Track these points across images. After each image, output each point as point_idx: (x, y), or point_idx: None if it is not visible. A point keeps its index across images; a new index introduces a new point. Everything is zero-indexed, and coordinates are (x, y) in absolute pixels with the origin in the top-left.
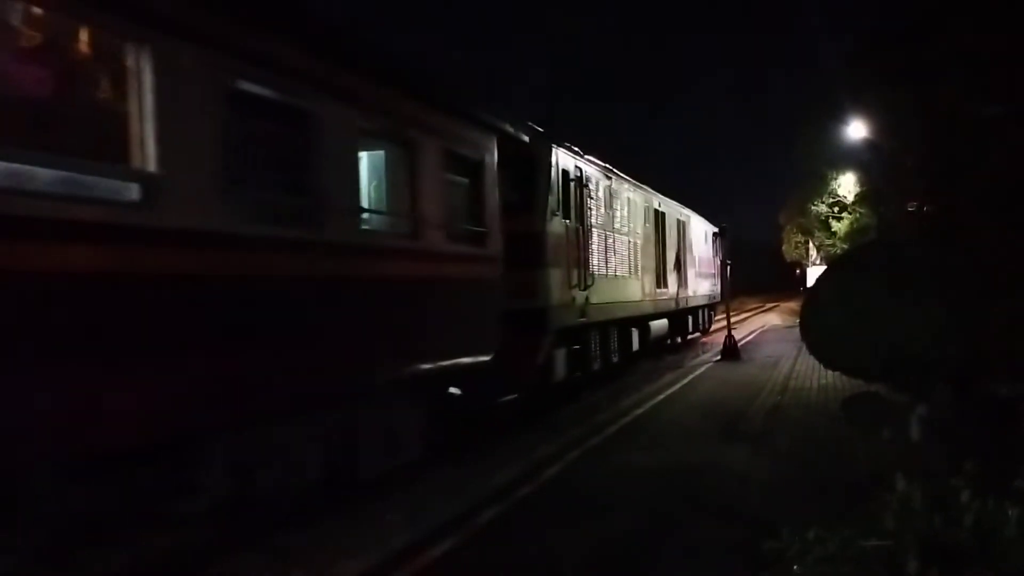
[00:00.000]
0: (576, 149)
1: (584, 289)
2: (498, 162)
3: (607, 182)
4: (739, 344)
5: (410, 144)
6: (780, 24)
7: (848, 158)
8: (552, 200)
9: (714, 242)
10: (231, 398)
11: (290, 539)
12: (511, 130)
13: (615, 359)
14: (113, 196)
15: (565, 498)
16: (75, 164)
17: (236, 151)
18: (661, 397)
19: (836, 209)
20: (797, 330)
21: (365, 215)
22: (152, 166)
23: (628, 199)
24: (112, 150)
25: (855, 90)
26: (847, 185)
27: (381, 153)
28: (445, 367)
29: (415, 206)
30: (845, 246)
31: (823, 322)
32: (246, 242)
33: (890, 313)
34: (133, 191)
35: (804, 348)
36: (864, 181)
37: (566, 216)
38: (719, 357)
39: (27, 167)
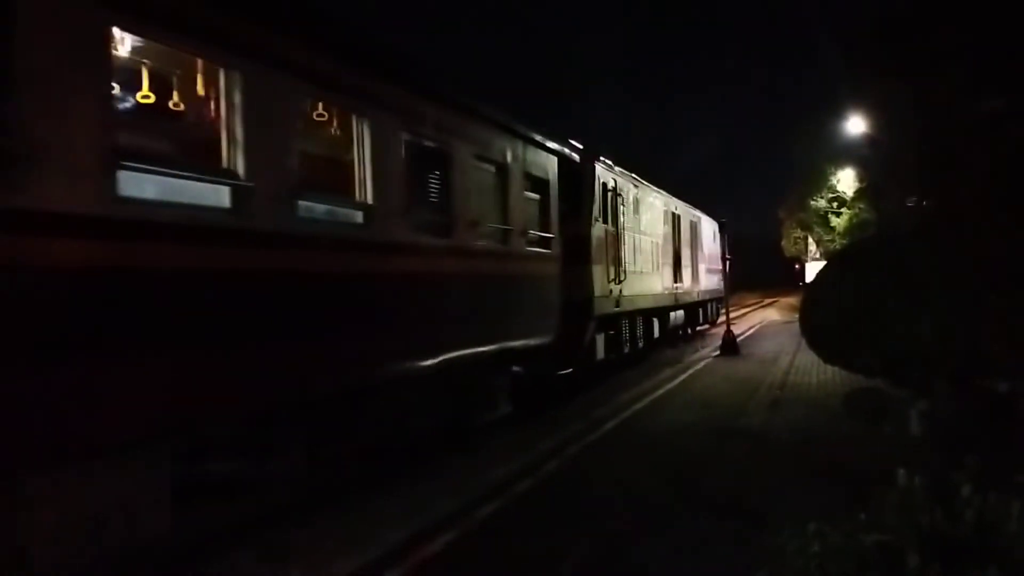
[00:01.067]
0: (609, 162)
1: (618, 283)
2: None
3: (635, 190)
4: (738, 339)
5: (503, 170)
6: (780, 18)
7: (848, 153)
8: (595, 208)
9: (720, 240)
10: (404, 361)
11: (287, 535)
12: (567, 152)
13: (640, 345)
14: (349, 220)
15: (563, 492)
16: (333, 200)
17: (409, 184)
18: (660, 392)
19: (835, 204)
20: (796, 325)
21: (478, 226)
22: (369, 199)
23: (651, 204)
24: (348, 189)
25: (854, 85)
26: (847, 180)
27: (486, 178)
28: (524, 345)
29: (506, 217)
30: (844, 241)
31: (823, 317)
32: (418, 248)
33: (890, 309)
34: (359, 216)
35: (803, 343)
36: (863, 176)
37: (605, 220)
38: (718, 352)
39: (312, 204)
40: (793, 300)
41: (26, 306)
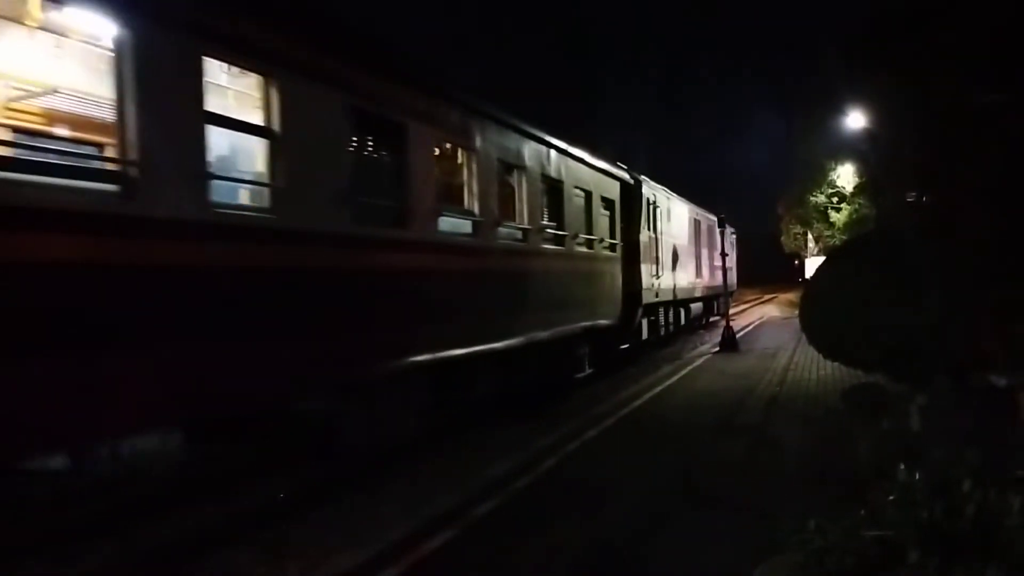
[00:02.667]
0: (651, 182)
1: (657, 278)
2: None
3: (667, 202)
4: (737, 335)
5: (589, 196)
6: (778, 13)
7: (847, 148)
8: (643, 219)
9: (720, 235)
10: (538, 331)
11: (284, 532)
12: (626, 177)
13: (671, 329)
14: (516, 237)
15: (560, 489)
16: (510, 226)
17: (543, 210)
18: (660, 388)
19: (835, 200)
20: (795, 321)
21: (576, 236)
22: (525, 223)
23: (678, 212)
24: (515, 218)
25: (852, 80)
26: (846, 175)
27: (580, 202)
28: (599, 324)
29: (590, 229)
30: (844, 237)
31: (822, 312)
32: (547, 254)
33: (889, 303)
34: (520, 234)
35: (803, 339)
36: (863, 171)
37: (648, 228)
38: (717, 348)
39: (503, 228)
40: (792, 296)
41: (394, 293)
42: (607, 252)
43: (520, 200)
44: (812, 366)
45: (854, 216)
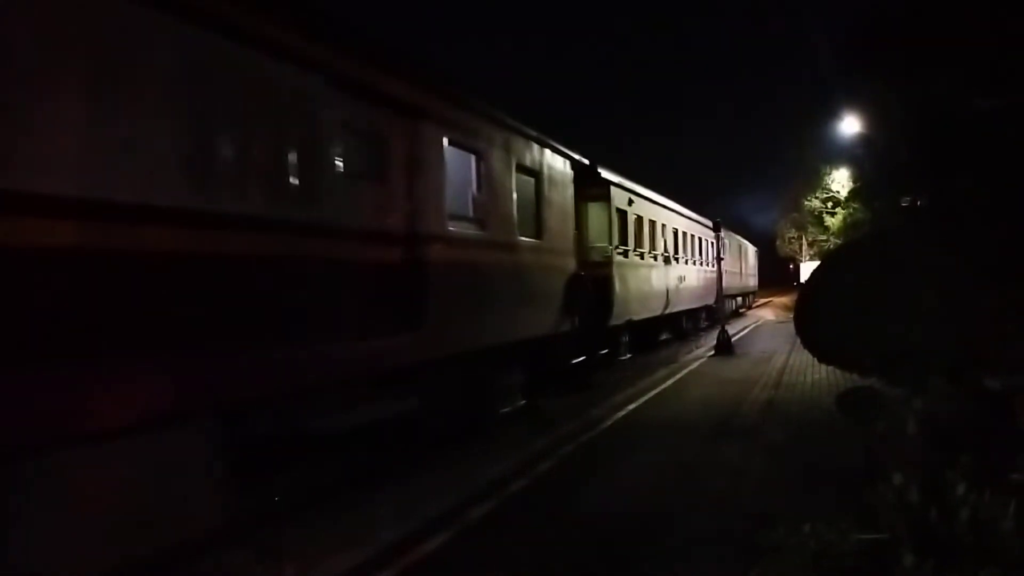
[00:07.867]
0: (721, 222)
1: (727, 281)
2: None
3: (727, 237)
4: (733, 339)
5: (706, 238)
6: (776, 16)
7: (842, 153)
8: (721, 249)
9: (756, 255)
10: (680, 306)
11: (280, 534)
12: (710, 223)
13: (733, 308)
14: (686, 262)
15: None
16: (686, 257)
17: (697, 249)
18: (654, 392)
19: (830, 204)
20: (790, 325)
21: (699, 260)
22: (669, 250)
23: (730, 242)
24: (662, 248)
25: (847, 85)
26: (840, 180)
27: (704, 243)
28: (708, 304)
29: (705, 256)
30: (839, 241)
31: (817, 316)
32: (690, 270)
33: (884, 307)
34: (662, 260)
35: (798, 343)
36: (857, 176)
37: (723, 253)
38: (713, 352)
39: (681, 257)
40: (787, 300)
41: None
42: (711, 268)
43: (688, 245)
44: (807, 370)
45: (848, 220)
